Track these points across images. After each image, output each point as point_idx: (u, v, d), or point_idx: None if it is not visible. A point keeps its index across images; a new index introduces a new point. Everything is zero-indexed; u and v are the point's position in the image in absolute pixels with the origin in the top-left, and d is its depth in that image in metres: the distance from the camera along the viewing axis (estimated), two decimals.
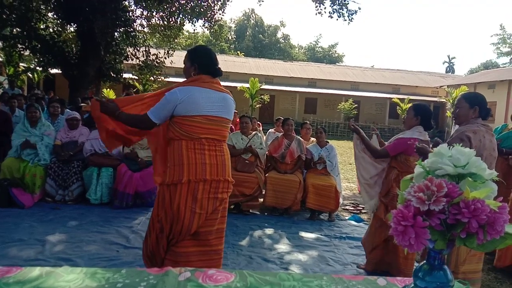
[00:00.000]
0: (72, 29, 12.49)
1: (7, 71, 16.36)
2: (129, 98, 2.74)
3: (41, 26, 11.64)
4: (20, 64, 16.10)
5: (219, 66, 2.49)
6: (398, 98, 24.38)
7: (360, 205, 5.95)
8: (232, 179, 2.51)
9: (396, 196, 3.11)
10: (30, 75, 17.73)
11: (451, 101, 23.01)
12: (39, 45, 10.93)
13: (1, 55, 15.24)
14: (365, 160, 3.53)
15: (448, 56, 55.58)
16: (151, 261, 2.56)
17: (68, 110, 6.77)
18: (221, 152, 2.43)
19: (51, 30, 12.15)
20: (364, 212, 5.56)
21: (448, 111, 24.06)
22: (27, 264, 3.03)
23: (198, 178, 2.32)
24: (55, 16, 12.06)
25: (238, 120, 6.70)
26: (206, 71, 2.43)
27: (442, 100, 25.62)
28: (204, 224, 2.39)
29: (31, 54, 12.41)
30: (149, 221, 2.60)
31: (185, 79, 2.48)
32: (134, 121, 2.45)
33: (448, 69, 52.66)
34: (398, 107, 24.50)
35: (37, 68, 14.78)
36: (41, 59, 11.62)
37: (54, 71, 14.22)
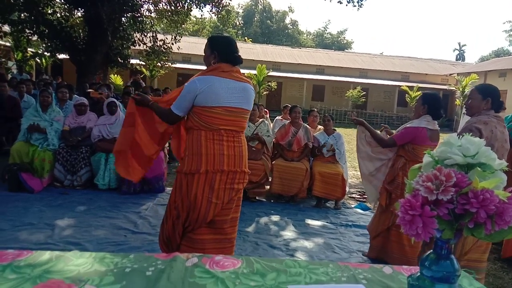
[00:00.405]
0: (79, 14, 12.46)
1: (15, 56, 16.42)
2: (160, 98, 2.83)
3: (49, 11, 11.61)
4: (28, 49, 16.13)
5: (239, 54, 2.44)
6: (407, 86, 24.13)
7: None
8: (248, 170, 2.53)
9: (401, 184, 3.12)
10: (38, 61, 17.77)
11: (460, 89, 22.73)
12: (46, 30, 10.93)
13: (10, 40, 15.25)
14: (368, 154, 3.53)
15: (459, 44, 54.59)
16: (167, 246, 2.60)
17: (76, 95, 6.80)
18: (239, 143, 2.44)
19: (58, 15, 12.12)
20: None
21: (457, 100, 23.79)
22: (37, 247, 3.08)
23: (215, 169, 2.34)
24: (62, 1, 12.02)
25: None
26: (225, 59, 2.39)
27: (452, 88, 25.30)
28: (220, 213, 2.43)
29: (39, 40, 12.42)
30: (166, 207, 2.64)
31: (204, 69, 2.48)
32: (161, 114, 2.51)
33: (458, 56, 51.91)
34: (407, 95, 24.26)
35: (45, 53, 14.80)
36: (49, 44, 11.63)
37: (61, 56, 14.23)
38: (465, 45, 58.49)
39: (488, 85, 2.79)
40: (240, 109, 2.39)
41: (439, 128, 3.22)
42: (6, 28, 11.44)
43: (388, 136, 3.55)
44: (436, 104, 3.21)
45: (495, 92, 2.66)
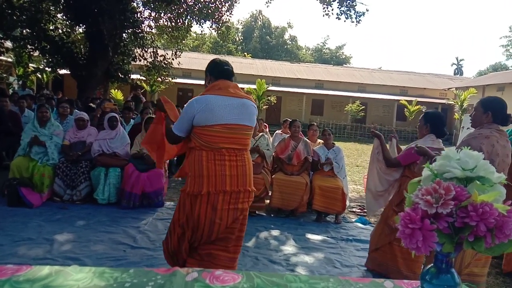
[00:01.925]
0: (80, 30, 12.61)
1: (16, 71, 16.54)
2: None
3: (51, 27, 11.76)
4: (30, 64, 16.27)
5: (227, 66, 2.48)
6: (406, 100, 24.25)
7: None
8: (253, 188, 2.48)
9: None
10: (39, 76, 17.91)
11: (459, 103, 22.82)
12: (48, 46, 11.05)
13: (11, 55, 15.41)
14: (378, 171, 3.50)
15: (457, 58, 55.16)
16: (172, 259, 2.59)
17: (76, 110, 6.84)
18: (243, 162, 2.39)
19: (60, 31, 12.27)
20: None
21: (456, 114, 23.87)
22: (36, 262, 3.06)
23: (217, 190, 2.31)
24: (64, 17, 12.18)
25: None
26: (217, 75, 2.45)
27: (450, 102, 25.41)
28: (224, 231, 2.41)
29: (40, 55, 12.53)
30: (170, 223, 2.64)
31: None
32: (167, 131, 2.56)
33: (456, 71, 52.27)
34: (405, 109, 24.35)
35: (46, 68, 14.93)
36: (50, 59, 11.74)
37: (62, 71, 14.35)
38: (463, 59, 58.83)
39: (492, 98, 2.74)
40: (240, 125, 2.35)
41: (443, 147, 3.17)
42: (8, 44, 11.56)
43: (396, 146, 3.56)
44: (439, 122, 3.18)
45: (498, 106, 2.61)
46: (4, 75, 15.99)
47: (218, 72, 2.46)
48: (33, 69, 16.50)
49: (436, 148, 3.07)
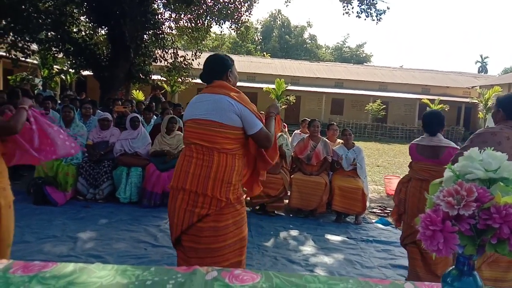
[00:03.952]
0: (103, 32, 12.86)
1: (42, 73, 17.01)
2: None
3: (74, 30, 12.03)
4: (54, 66, 16.70)
5: (204, 71, 2.38)
6: (428, 99, 23.80)
7: (388, 208, 5.85)
8: (219, 196, 2.16)
9: (404, 200, 3.06)
10: (63, 77, 18.36)
11: (483, 102, 22.26)
12: (72, 48, 11.30)
13: (37, 58, 15.84)
14: None
15: (481, 56, 53.56)
16: None
17: (99, 111, 6.98)
18: (209, 163, 2.16)
19: (83, 33, 12.54)
20: None
21: (480, 112, 23.29)
22: (60, 260, 3.14)
23: (179, 186, 2.22)
24: (87, 20, 12.44)
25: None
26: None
27: (474, 101, 24.81)
28: (185, 238, 2.23)
29: (64, 57, 12.84)
30: None
31: None
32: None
33: (480, 69, 50.95)
34: (428, 108, 23.92)
35: (70, 70, 15.30)
36: (73, 61, 12.01)
37: (86, 73, 14.65)
38: (487, 57, 57.30)
39: (506, 95, 2.61)
40: (207, 121, 2.18)
41: (434, 144, 3.02)
42: (34, 46, 11.89)
43: None
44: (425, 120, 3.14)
45: (506, 101, 2.51)
46: (30, 76, 16.45)
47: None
48: (57, 70, 16.94)
49: (422, 145, 3.04)
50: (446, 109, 22.35)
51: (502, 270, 2.36)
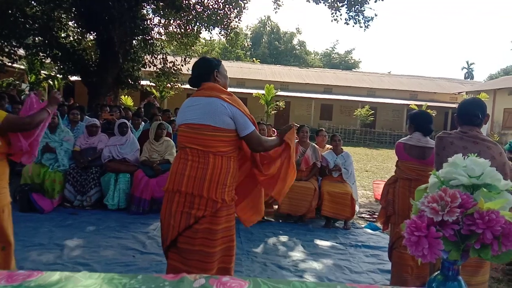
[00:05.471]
0: (91, 37, 12.78)
1: (29, 78, 16.81)
2: None
3: (62, 35, 11.94)
4: (42, 71, 16.52)
5: (195, 75, 2.40)
6: (416, 105, 24.07)
7: (376, 213, 5.88)
8: (215, 197, 2.19)
9: (392, 202, 3.13)
10: (51, 82, 18.18)
11: None
12: (59, 53, 11.21)
13: (24, 63, 15.67)
14: None
15: (467, 62, 54.63)
16: None
17: (87, 117, 6.92)
18: (205, 165, 2.18)
19: (71, 38, 12.45)
20: None
21: None
22: (47, 268, 3.10)
23: (174, 189, 2.23)
24: (75, 25, 12.36)
25: None
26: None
27: None
28: (182, 240, 2.23)
29: (52, 62, 12.73)
30: None
31: None
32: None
33: (467, 75, 51.82)
34: None
35: (58, 75, 15.15)
36: (61, 66, 11.91)
37: (73, 78, 14.56)
38: (473, 63, 58.46)
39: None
40: (200, 125, 2.20)
41: (431, 142, 3.04)
42: (21, 51, 11.76)
43: None
44: (422, 120, 3.17)
45: (461, 107, 2.56)
46: (17, 82, 16.25)
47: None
48: (45, 76, 16.76)
49: (411, 145, 3.09)
50: (434, 114, 22.61)
51: (468, 274, 2.36)
